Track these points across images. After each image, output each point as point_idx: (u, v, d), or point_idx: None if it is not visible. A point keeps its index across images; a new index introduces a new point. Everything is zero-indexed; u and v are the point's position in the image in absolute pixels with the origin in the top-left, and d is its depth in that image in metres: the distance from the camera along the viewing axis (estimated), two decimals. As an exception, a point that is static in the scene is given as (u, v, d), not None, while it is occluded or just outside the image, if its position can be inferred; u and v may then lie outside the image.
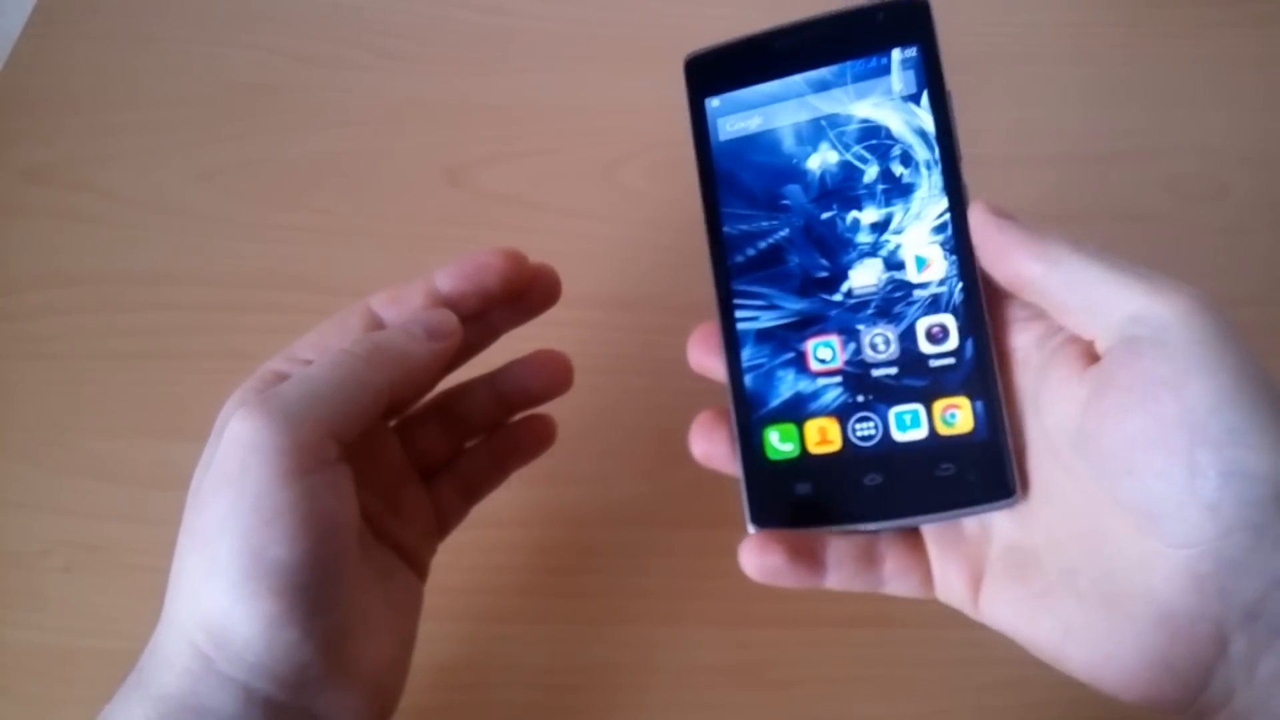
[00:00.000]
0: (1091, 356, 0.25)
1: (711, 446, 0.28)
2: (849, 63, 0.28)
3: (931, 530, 0.28)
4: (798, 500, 0.27)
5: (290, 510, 0.24)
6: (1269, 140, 0.51)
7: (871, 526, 0.27)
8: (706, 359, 0.29)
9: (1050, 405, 0.26)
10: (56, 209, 0.50)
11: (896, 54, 0.28)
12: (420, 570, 0.31)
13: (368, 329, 0.29)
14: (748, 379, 0.29)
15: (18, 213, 0.50)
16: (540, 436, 0.34)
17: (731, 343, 0.29)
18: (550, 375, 0.32)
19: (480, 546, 0.39)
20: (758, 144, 0.29)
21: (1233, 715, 0.23)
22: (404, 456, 0.32)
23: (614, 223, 0.49)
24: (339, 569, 0.25)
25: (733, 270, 0.29)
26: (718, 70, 0.30)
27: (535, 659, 0.38)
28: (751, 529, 0.28)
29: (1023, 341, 0.27)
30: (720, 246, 0.29)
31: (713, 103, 0.30)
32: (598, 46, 0.55)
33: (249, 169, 0.51)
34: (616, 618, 0.39)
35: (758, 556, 0.27)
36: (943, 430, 0.27)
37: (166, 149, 0.52)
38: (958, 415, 0.27)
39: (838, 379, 0.28)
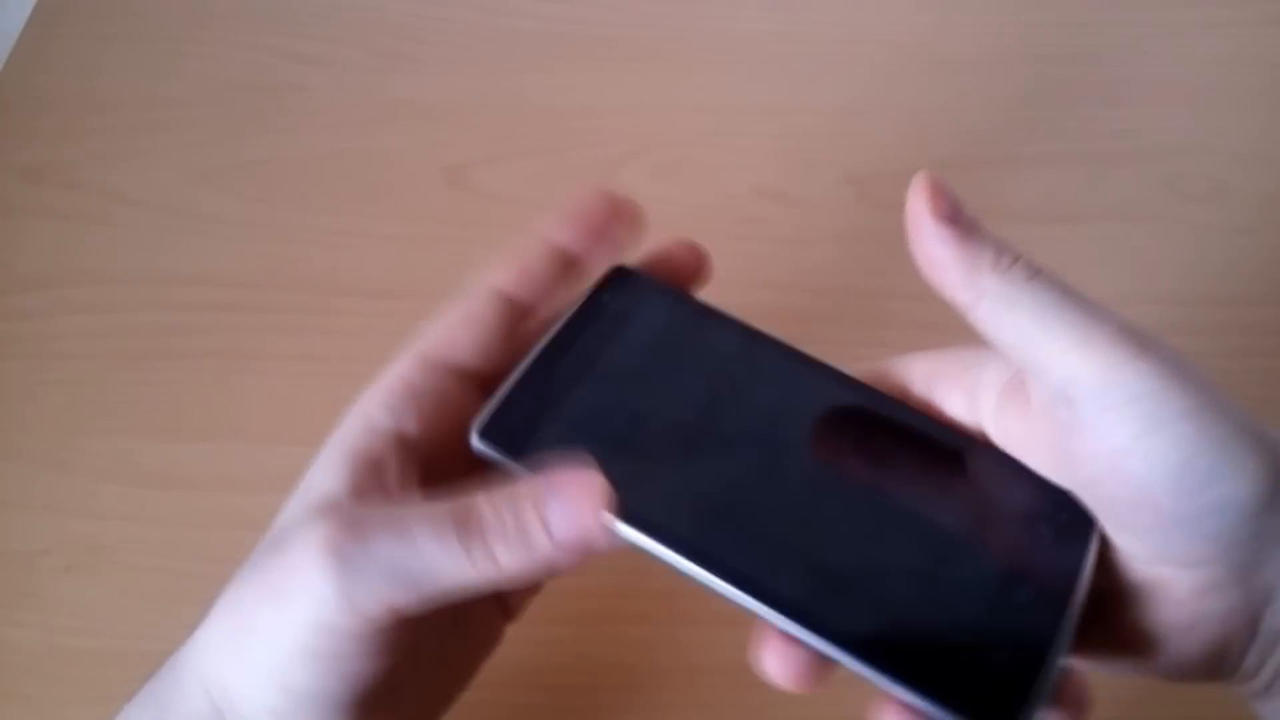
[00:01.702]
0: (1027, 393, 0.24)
1: (800, 668, 0.24)
2: (614, 340, 0.26)
3: None
4: None
5: (330, 658, 0.22)
6: (1269, 140, 0.51)
7: None
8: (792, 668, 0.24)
9: (1025, 453, 0.25)
10: (56, 209, 0.50)
11: (641, 310, 0.27)
12: (510, 608, 0.30)
13: (501, 317, 0.26)
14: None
15: (18, 213, 0.50)
16: None
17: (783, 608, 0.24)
18: None
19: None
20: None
21: (1267, 678, 0.24)
22: None
23: (614, 223, 0.49)
24: (371, 697, 0.24)
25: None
26: (509, 422, 0.25)
27: (535, 659, 0.38)
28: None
29: (957, 408, 0.26)
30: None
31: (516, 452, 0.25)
32: (598, 46, 0.55)
33: (249, 169, 0.51)
34: (616, 618, 0.39)
35: None
36: None
37: (166, 149, 0.52)
38: None
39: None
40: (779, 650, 0.24)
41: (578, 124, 0.52)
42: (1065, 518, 0.24)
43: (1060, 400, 0.22)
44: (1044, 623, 0.23)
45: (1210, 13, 0.55)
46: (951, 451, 0.26)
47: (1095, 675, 0.37)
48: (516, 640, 0.38)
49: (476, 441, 0.24)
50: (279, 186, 0.50)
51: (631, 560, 0.40)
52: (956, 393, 0.26)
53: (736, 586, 0.23)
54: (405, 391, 0.25)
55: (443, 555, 0.22)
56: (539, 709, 0.37)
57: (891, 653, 0.22)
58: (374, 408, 0.25)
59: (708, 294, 0.29)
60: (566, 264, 0.26)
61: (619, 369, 0.26)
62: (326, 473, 0.24)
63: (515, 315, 0.26)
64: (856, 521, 0.24)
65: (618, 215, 0.27)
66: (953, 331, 0.27)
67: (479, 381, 0.26)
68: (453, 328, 0.26)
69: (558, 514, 0.22)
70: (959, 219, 0.23)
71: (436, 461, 0.25)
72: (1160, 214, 0.49)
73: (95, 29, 0.57)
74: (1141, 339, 0.22)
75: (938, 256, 0.23)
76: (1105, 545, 0.24)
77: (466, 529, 0.22)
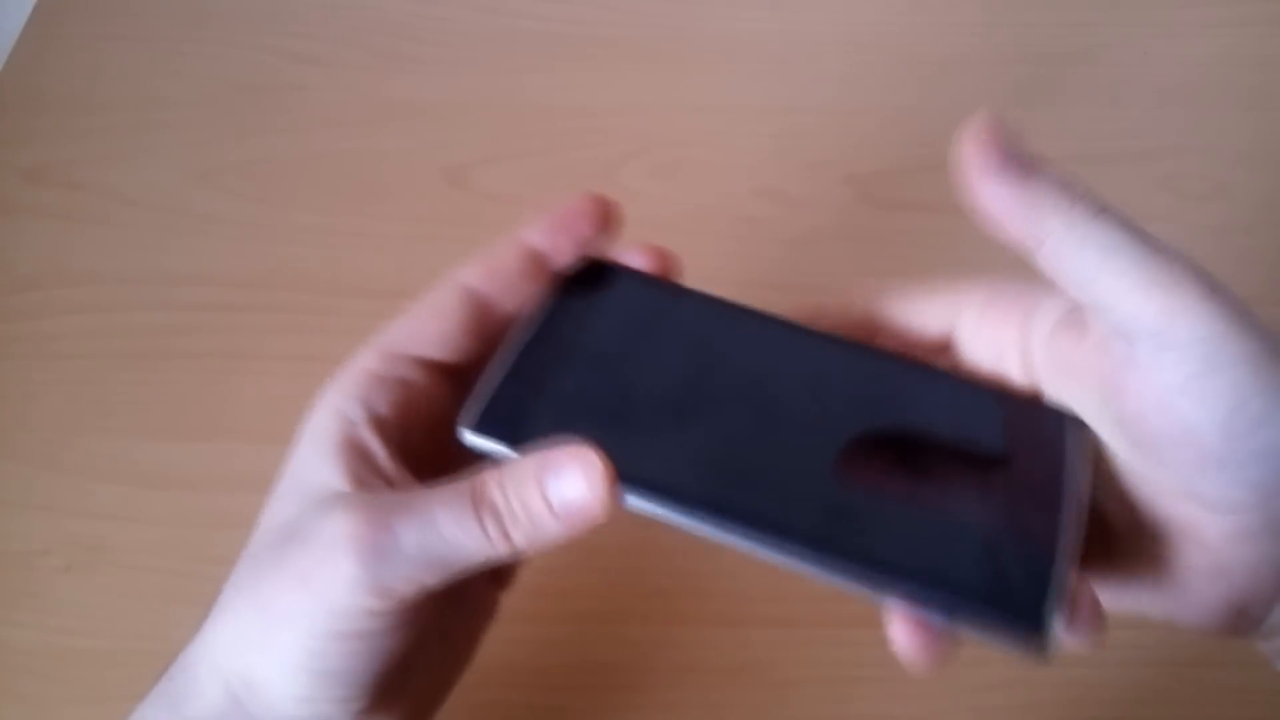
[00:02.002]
0: (1079, 325, 0.24)
1: (932, 642, 0.23)
2: (589, 322, 0.27)
3: None
4: None
5: (360, 638, 0.23)
6: (1269, 140, 0.51)
7: None
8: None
9: (1073, 381, 0.25)
10: (56, 209, 0.50)
11: (611, 292, 0.27)
12: (503, 576, 0.30)
13: (466, 309, 0.27)
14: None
15: (18, 213, 0.50)
16: None
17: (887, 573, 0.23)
18: None
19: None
20: None
21: None
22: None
23: (614, 223, 0.49)
24: (390, 676, 0.25)
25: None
26: (497, 412, 0.25)
27: (535, 659, 0.38)
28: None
29: (1009, 334, 0.26)
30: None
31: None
32: (598, 46, 0.55)
33: (249, 169, 0.51)
34: (616, 618, 0.39)
35: None
36: None
37: (166, 149, 0.52)
38: None
39: None
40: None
41: (578, 124, 0.52)
42: (1050, 427, 0.25)
43: (1120, 336, 0.23)
44: (1045, 525, 0.23)
45: (1210, 13, 0.55)
46: (928, 383, 0.26)
47: (1100, 672, 0.37)
48: (516, 640, 0.39)
49: (468, 435, 0.25)
50: (279, 186, 0.50)
51: (631, 560, 0.40)
52: (1012, 317, 0.26)
53: (741, 531, 0.24)
54: (370, 381, 0.25)
55: (464, 536, 0.23)
56: (539, 709, 0.37)
57: (910, 569, 0.23)
58: (342, 400, 0.25)
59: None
60: (535, 261, 0.27)
61: (597, 348, 0.26)
62: (318, 466, 0.25)
63: (481, 309, 0.27)
64: (850, 461, 0.25)
65: (591, 215, 0.27)
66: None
67: (443, 371, 0.27)
68: (416, 320, 0.27)
69: (558, 491, 0.23)
70: (1018, 160, 0.23)
71: (408, 447, 0.26)
72: (1160, 214, 0.49)
73: (95, 29, 0.57)
74: (1208, 281, 0.22)
75: (998, 201, 0.23)
76: (1137, 479, 0.24)
77: (481, 510, 0.23)
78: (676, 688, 0.37)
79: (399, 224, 0.49)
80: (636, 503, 0.24)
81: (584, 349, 0.26)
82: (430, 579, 0.23)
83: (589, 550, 0.40)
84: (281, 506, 0.25)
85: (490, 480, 0.23)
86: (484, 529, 0.23)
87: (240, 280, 0.47)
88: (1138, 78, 0.53)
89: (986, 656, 0.38)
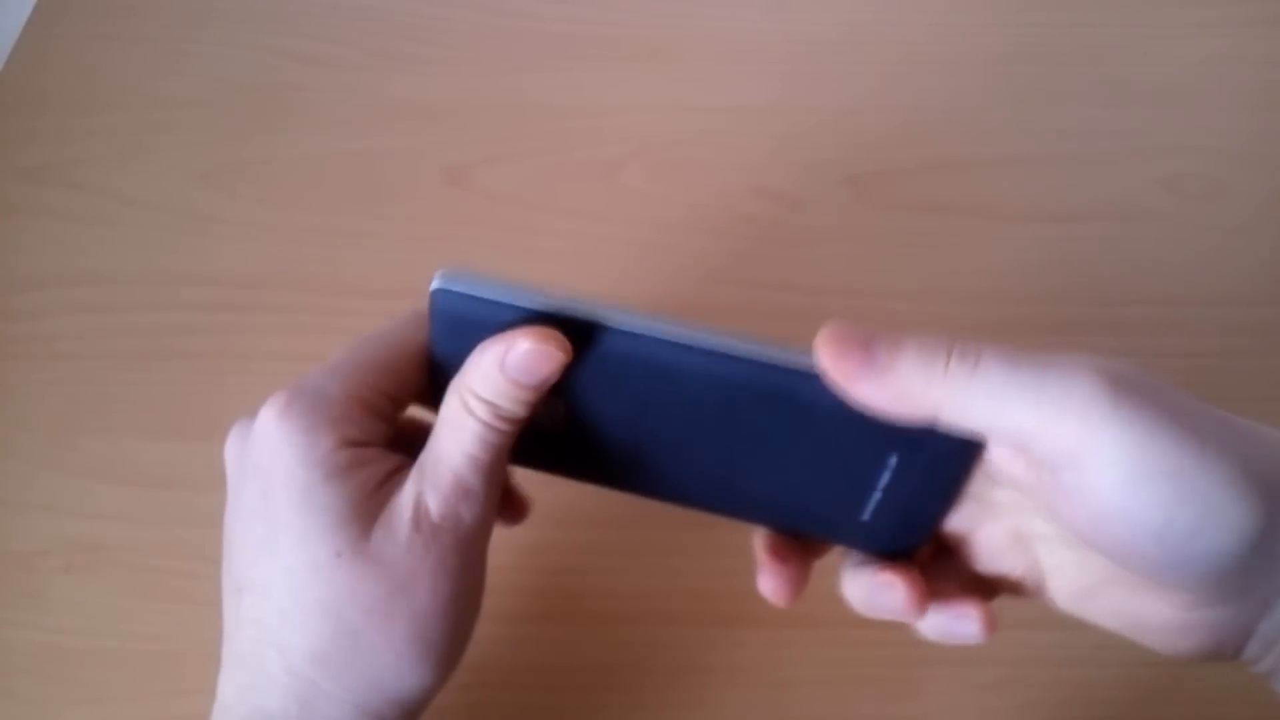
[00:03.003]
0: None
1: (789, 569, 0.28)
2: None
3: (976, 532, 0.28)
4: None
5: (478, 564, 0.28)
6: (1269, 140, 0.51)
7: None
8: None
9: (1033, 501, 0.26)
10: (56, 209, 0.50)
11: None
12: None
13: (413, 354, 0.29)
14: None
15: (18, 213, 0.50)
16: None
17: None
18: None
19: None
20: None
21: (1270, 664, 0.24)
22: None
23: (614, 223, 0.49)
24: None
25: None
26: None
27: (535, 659, 0.38)
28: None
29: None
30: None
31: None
32: (598, 46, 0.55)
33: (249, 169, 0.51)
34: (616, 618, 0.39)
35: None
36: None
37: (166, 149, 0.52)
38: None
39: None
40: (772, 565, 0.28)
41: (578, 124, 0.52)
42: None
43: (1042, 466, 0.23)
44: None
45: (1209, 12, 0.55)
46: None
47: (1100, 672, 0.37)
48: (516, 640, 0.39)
49: (440, 278, 0.26)
50: (279, 186, 0.50)
51: (630, 561, 0.40)
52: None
53: (716, 338, 0.25)
54: (361, 409, 0.28)
55: (473, 436, 0.26)
56: (539, 709, 0.37)
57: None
58: (346, 429, 0.27)
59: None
60: None
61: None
62: (353, 497, 0.26)
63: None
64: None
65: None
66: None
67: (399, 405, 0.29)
68: (385, 353, 0.29)
69: (517, 337, 0.25)
70: (874, 358, 0.23)
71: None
72: (1160, 214, 0.49)
73: (95, 29, 0.57)
74: (1115, 394, 0.21)
75: (877, 398, 0.23)
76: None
77: (469, 402, 0.26)
78: (675, 688, 0.37)
79: (400, 224, 0.49)
80: (622, 320, 0.26)
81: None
82: (499, 482, 0.27)
83: (588, 551, 0.40)
84: (327, 546, 0.26)
85: (458, 386, 0.26)
86: (477, 416, 0.25)
87: (241, 280, 0.47)
88: (1138, 78, 0.53)
89: (987, 656, 0.38)
